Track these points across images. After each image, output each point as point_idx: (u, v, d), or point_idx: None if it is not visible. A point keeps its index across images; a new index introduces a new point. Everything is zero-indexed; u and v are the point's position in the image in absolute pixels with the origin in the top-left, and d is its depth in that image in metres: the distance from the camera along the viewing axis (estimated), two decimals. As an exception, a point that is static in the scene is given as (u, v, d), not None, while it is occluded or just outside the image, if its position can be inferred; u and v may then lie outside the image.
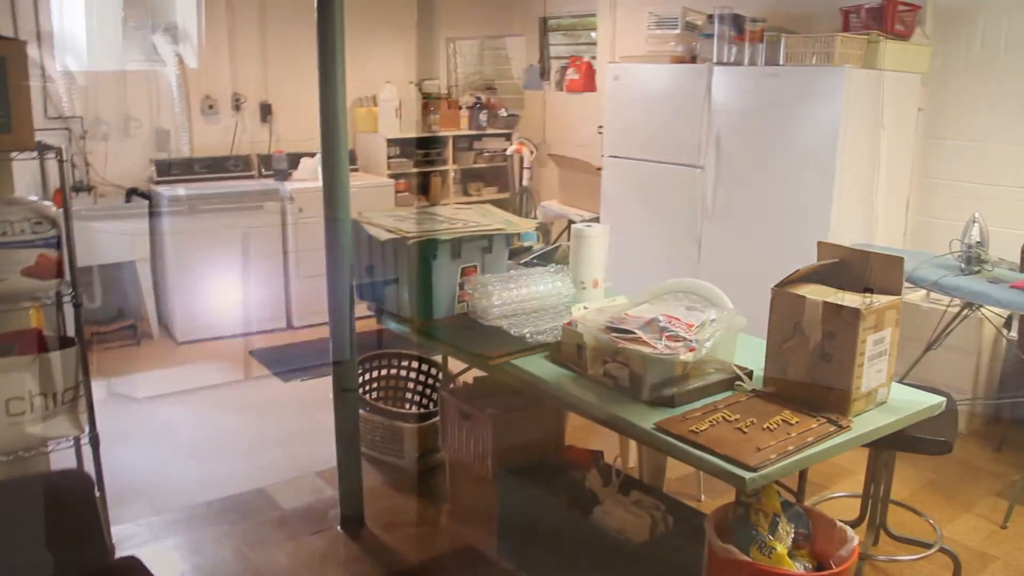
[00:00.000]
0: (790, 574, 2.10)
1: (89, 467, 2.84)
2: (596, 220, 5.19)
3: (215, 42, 5.61)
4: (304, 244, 5.47)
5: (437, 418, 3.51)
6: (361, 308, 3.15)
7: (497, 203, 6.16)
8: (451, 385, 3.45)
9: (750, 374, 2.40)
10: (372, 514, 3.30)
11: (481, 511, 3.15)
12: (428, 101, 6.57)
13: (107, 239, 5.00)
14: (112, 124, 5.29)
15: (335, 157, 2.97)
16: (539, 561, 2.92)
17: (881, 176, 4.33)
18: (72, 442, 2.80)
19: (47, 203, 2.65)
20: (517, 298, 2.84)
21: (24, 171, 2.92)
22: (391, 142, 6.29)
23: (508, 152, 6.73)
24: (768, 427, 2.11)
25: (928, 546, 3.01)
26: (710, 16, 4.65)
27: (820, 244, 2.44)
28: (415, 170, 6.48)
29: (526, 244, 3.55)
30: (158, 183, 5.34)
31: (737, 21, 4.54)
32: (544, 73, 6.72)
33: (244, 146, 5.83)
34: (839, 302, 2.17)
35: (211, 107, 5.67)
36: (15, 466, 2.58)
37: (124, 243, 5.09)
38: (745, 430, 2.09)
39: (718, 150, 4.55)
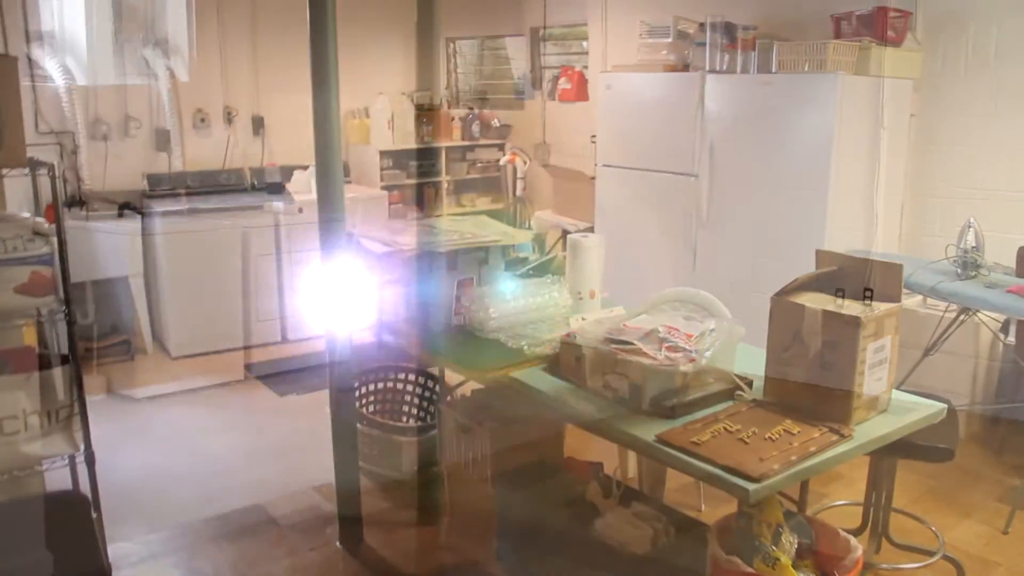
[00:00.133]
0: (794, 585, 2.09)
1: (84, 483, 2.81)
2: (590, 229, 5.18)
3: (206, 55, 5.59)
4: (298, 256, 5.45)
5: (435, 431, 3.48)
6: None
7: (491, 214, 6.16)
8: (449, 398, 3.43)
9: (750, 384, 2.38)
10: (371, 529, 3.27)
11: (481, 524, 3.13)
12: (421, 112, 6.56)
13: (100, 254, 4.98)
14: (104, 138, 5.27)
15: (329, 168, 2.96)
16: (540, 575, 2.89)
17: (876, 182, 4.33)
18: (67, 460, 2.77)
19: (40, 219, 2.63)
20: (514, 310, 2.82)
21: (16, 187, 2.90)
22: (384, 154, 6.28)
23: (501, 162, 6.72)
24: (770, 437, 2.09)
25: (931, 554, 3.00)
26: (702, 24, 4.65)
27: (819, 252, 2.44)
28: (408, 182, 6.47)
29: (522, 255, 3.54)
30: (151, 197, 5.31)
31: (729, 29, 4.55)
32: (536, 83, 6.73)
33: (236, 159, 5.81)
34: (839, 310, 2.17)
35: (203, 120, 5.66)
36: (10, 485, 2.55)
37: (117, 258, 5.06)
38: (747, 440, 2.08)
39: (712, 158, 4.55)
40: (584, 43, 6.29)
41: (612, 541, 2.56)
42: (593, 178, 5.30)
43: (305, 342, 5.47)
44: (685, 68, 4.78)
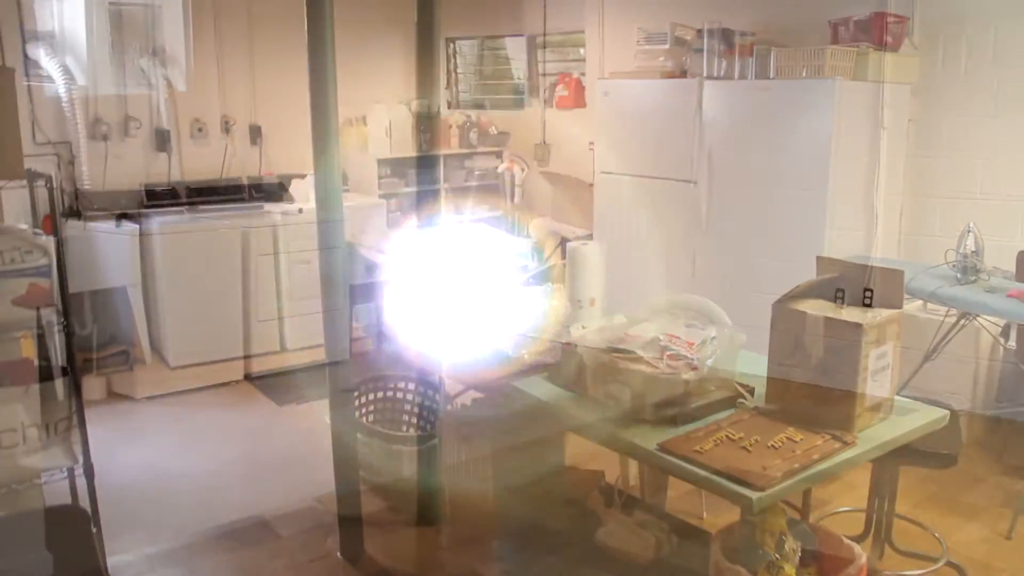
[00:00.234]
0: (799, 594, 2.08)
1: (83, 496, 2.79)
2: (589, 237, 5.17)
3: (203, 65, 5.59)
4: (297, 265, 5.44)
5: (435, 440, 3.47)
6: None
7: (489, 221, 6.16)
8: (449, 407, 3.41)
9: (752, 391, 2.37)
10: (372, 539, 3.25)
11: (482, 534, 3.12)
12: (419, 120, 6.55)
13: (98, 265, 4.96)
14: (101, 148, 5.26)
15: (328, 176, 2.95)
16: (542, 584, 2.88)
17: (875, 186, 4.33)
18: (66, 473, 2.76)
19: (37, 231, 2.62)
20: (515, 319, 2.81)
21: (14, 199, 2.89)
22: (382, 162, 6.27)
23: (499, 170, 6.72)
24: (773, 445, 2.09)
25: (934, 560, 2.99)
26: (699, 31, 4.65)
27: (819, 259, 2.43)
28: (406, 190, 6.46)
29: (521, 263, 3.53)
30: (148, 207, 5.30)
31: (727, 35, 4.54)
32: (534, 90, 6.72)
33: (234, 169, 5.80)
34: (841, 317, 2.16)
35: (200, 130, 5.65)
36: (9, 499, 2.53)
37: (115, 268, 5.04)
38: (750, 449, 2.07)
39: (711, 164, 4.54)
40: (581, 50, 6.29)
41: (614, 550, 2.56)
42: (592, 185, 5.29)
43: (304, 351, 5.45)
44: (683, 74, 4.77)
